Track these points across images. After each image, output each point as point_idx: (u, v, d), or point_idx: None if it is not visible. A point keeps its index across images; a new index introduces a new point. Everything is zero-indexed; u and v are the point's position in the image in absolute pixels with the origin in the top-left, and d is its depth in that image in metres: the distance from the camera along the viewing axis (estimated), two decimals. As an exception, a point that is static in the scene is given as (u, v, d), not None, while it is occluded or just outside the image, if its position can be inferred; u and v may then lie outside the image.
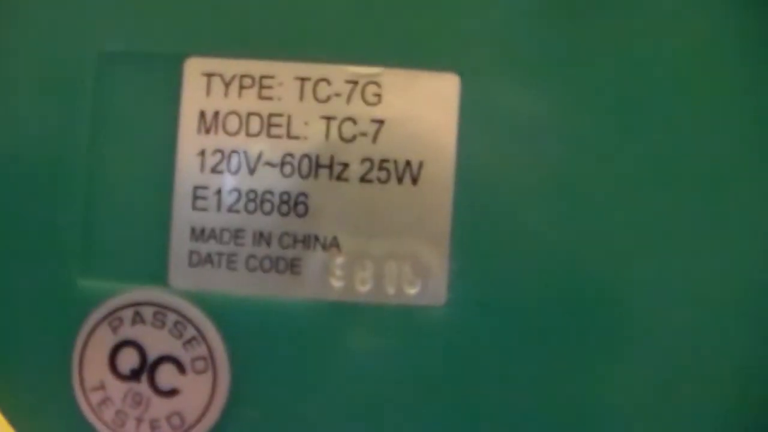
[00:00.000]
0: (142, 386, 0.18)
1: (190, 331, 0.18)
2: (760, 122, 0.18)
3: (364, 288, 0.18)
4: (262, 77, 0.18)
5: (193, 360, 0.18)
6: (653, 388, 0.18)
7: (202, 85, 0.18)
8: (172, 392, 0.18)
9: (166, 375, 0.18)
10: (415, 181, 0.18)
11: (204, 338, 0.18)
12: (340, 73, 0.18)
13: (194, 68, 0.18)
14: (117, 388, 0.18)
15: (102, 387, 0.18)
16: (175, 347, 0.18)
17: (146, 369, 0.18)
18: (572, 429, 0.18)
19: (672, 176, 0.18)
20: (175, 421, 0.18)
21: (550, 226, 0.18)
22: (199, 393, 0.18)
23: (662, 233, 0.18)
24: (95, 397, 0.18)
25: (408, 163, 0.18)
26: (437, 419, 0.18)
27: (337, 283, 0.18)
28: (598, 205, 0.18)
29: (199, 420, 0.18)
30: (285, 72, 0.18)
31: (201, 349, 0.18)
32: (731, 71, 0.18)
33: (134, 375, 0.18)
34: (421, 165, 0.18)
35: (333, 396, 0.18)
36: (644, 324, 0.18)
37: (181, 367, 0.18)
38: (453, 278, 0.18)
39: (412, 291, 0.18)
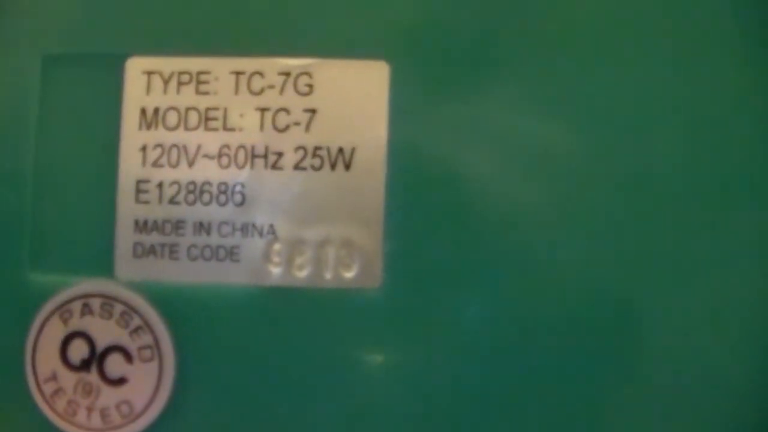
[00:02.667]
0: (92, 376, 0.18)
1: (136, 321, 0.18)
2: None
3: (301, 273, 0.18)
4: (199, 73, 0.18)
5: (140, 349, 0.18)
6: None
7: (143, 83, 0.18)
8: (120, 381, 0.18)
9: (114, 364, 0.18)
10: (348, 167, 0.18)
11: (149, 327, 0.18)
12: (273, 65, 0.18)
13: (135, 67, 0.18)
14: (68, 378, 0.18)
15: (54, 378, 0.18)
16: (122, 337, 0.18)
17: (95, 359, 0.18)
18: (510, 403, 0.18)
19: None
20: (125, 409, 0.18)
21: (478, 206, 0.18)
22: (146, 381, 0.18)
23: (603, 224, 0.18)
24: (48, 388, 0.18)
25: (341, 150, 0.18)
26: (374, 396, 0.18)
27: (275, 269, 0.18)
28: (524, 186, 0.18)
29: (147, 407, 0.18)
30: (220, 67, 0.18)
31: (147, 338, 0.18)
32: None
33: (84, 365, 0.18)
34: (353, 151, 0.18)
35: (275, 378, 0.18)
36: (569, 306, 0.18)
37: (128, 356, 0.18)
38: (388, 260, 0.18)
39: (348, 274, 0.18)
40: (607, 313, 0.18)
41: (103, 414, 0.18)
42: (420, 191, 0.18)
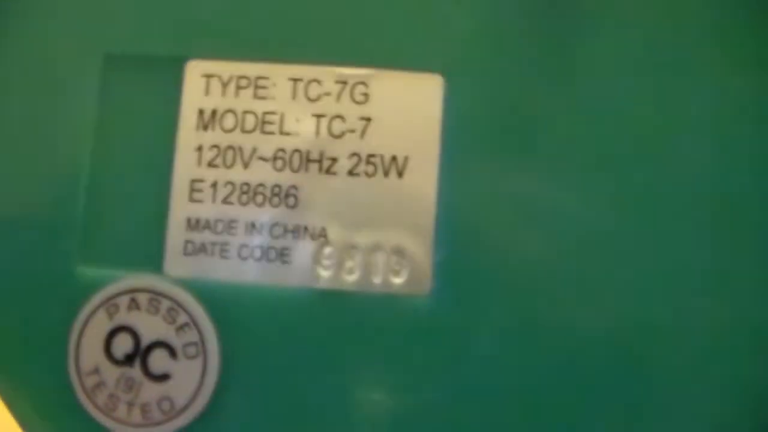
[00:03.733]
0: (135, 371, 0.18)
1: (183, 317, 0.18)
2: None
3: (351, 277, 0.18)
4: (257, 78, 0.19)
5: (185, 345, 0.18)
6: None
7: (202, 86, 0.19)
8: (163, 377, 0.18)
9: (158, 360, 0.18)
10: (400, 175, 0.18)
11: (196, 324, 0.18)
12: (330, 74, 0.19)
13: (195, 70, 0.19)
14: (111, 373, 0.18)
15: (96, 371, 0.18)
16: (167, 333, 0.18)
17: (139, 354, 0.18)
18: (551, 415, 0.18)
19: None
20: (165, 405, 0.18)
21: (529, 219, 0.18)
22: (189, 378, 0.18)
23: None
24: (89, 381, 0.18)
25: (394, 158, 0.18)
26: (420, 404, 0.18)
27: (324, 272, 0.18)
28: (576, 203, 0.18)
29: (188, 405, 0.18)
30: (279, 73, 0.19)
31: (192, 335, 0.18)
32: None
33: (128, 360, 0.18)
34: (406, 160, 0.18)
35: (319, 381, 0.18)
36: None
37: (172, 352, 0.18)
38: (437, 268, 0.18)
39: (397, 280, 0.18)
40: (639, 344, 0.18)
41: (144, 409, 0.18)
42: (471, 204, 0.18)
